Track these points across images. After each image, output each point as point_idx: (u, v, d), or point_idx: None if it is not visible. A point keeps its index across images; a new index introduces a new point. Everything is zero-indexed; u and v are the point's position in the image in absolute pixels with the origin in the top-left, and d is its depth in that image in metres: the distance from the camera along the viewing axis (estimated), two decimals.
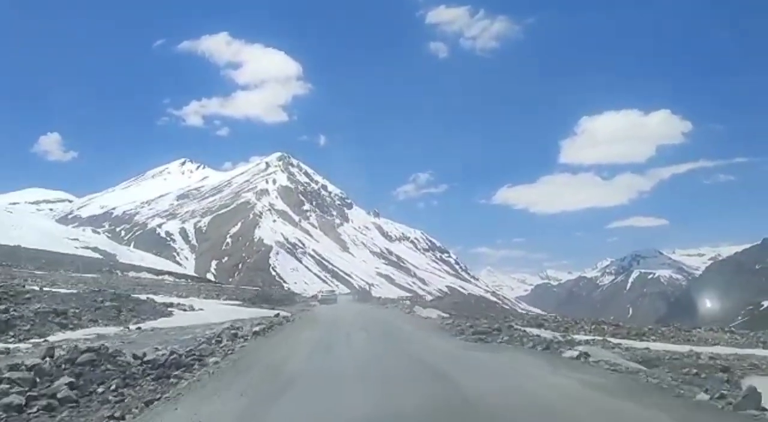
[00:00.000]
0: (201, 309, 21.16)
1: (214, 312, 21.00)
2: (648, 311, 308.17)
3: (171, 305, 20.67)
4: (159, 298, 22.71)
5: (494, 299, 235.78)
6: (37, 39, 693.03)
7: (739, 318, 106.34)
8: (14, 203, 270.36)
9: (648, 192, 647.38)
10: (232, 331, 13.15)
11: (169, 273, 64.65)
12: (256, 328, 14.10)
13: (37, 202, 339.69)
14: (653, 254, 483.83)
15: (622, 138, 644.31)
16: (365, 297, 67.28)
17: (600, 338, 18.31)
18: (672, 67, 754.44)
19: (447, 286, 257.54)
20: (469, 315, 28.01)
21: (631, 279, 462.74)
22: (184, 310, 20.24)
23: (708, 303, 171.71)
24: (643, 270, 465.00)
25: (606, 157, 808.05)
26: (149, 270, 63.39)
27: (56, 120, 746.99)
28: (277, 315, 20.99)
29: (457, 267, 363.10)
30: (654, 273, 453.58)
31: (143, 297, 19.35)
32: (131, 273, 56.19)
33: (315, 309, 34.17)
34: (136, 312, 17.50)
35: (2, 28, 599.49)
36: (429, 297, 55.45)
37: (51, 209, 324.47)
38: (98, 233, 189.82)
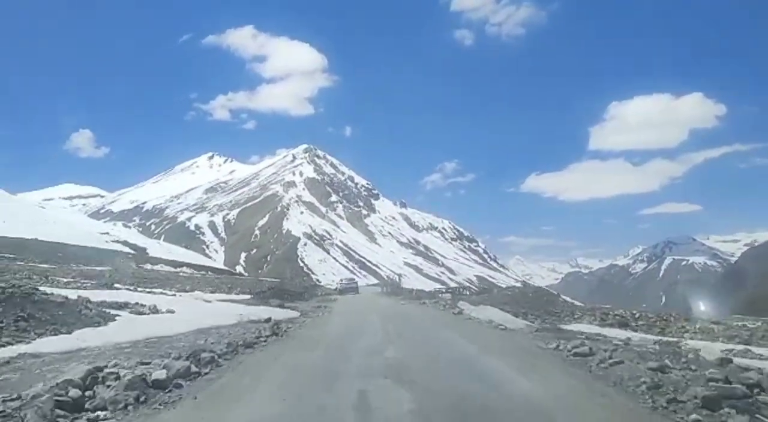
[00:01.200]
0: (171, 311, 15.43)
1: (188, 314, 15.22)
2: (682, 299, 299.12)
3: (124, 306, 15.00)
4: (121, 296, 17.02)
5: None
6: (66, 39, 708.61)
7: None
8: (48, 199, 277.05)
9: (680, 177, 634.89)
10: (67, 393, 5.75)
11: (188, 265, 63.39)
12: (162, 374, 6.70)
13: (70, 198, 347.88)
14: (687, 241, 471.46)
15: (653, 123, 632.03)
16: (395, 290, 59.13)
17: None
18: (704, 49, 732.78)
19: (476, 276, 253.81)
20: (527, 311, 20.83)
21: (664, 267, 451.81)
22: (140, 313, 14.45)
23: (746, 290, 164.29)
24: (676, 257, 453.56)
25: (636, 142, 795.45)
26: (168, 262, 62.25)
27: (87, 117, 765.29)
28: (269, 319, 14.85)
29: (485, 256, 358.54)
30: (688, 260, 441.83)
31: (73, 295, 12.79)
32: (147, 266, 55.08)
33: (332, 307, 25.57)
34: (36, 321, 10.70)
35: (33, 29, 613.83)
36: (468, 292, 50.67)
37: (84, 204, 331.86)
38: (129, 227, 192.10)
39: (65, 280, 24.54)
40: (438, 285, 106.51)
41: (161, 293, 22.00)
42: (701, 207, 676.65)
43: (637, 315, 21.63)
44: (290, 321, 16.21)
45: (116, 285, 23.58)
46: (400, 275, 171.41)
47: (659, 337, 13.14)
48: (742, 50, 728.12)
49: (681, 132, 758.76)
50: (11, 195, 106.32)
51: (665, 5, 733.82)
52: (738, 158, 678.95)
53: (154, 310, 15.04)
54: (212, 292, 28.51)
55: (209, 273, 61.13)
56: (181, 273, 50.08)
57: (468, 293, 36.46)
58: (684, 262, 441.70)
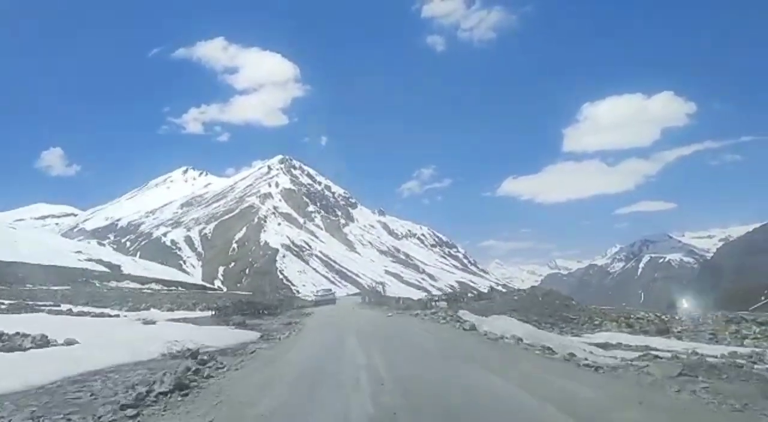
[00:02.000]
0: (71, 343, 11.38)
1: (92, 347, 11.09)
2: (660, 296, 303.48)
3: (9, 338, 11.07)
4: (20, 323, 13.63)
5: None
6: (33, 55, 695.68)
7: (762, 298, 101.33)
8: (20, 219, 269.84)
9: (654, 176, 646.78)
10: None
11: (157, 282, 61.56)
12: None
13: (42, 217, 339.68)
14: (663, 238, 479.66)
15: (625, 123, 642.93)
16: (378, 299, 51.52)
17: None
18: (673, 48, 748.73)
19: (457, 281, 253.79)
20: (540, 318, 18.10)
21: (641, 265, 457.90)
22: (11, 349, 10.19)
23: (723, 285, 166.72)
24: (653, 255, 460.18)
25: (610, 142, 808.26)
26: (135, 279, 60.39)
27: (57, 134, 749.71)
28: (195, 354, 10.60)
29: (465, 261, 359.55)
30: (665, 258, 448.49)
31: None
32: (113, 283, 53.26)
33: (304, 323, 21.39)
34: None
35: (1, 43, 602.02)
36: (465, 298, 46.76)
37: (57, 223, 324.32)
38: (103, 245, 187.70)
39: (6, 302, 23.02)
40: (420, 293, 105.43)
41: (101, 314, 20.23)
42: (676, 204, 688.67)
43: (666, 319, 19.15)
44: (235, 352, 12.17)
45: (62, 307, 22.11)
46: (383, 283, 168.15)
47: (729, 348, 10.98)
48: (710, 48, 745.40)
49: (653, 131, 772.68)
50: None
51: (633, 7, 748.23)
52: (709, 155, 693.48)
53: (42, 343, 10.88)
54: (171, 310, 27.08)
55: (179, 288, 59.50)
56: (145, 291, 48.38)
57: (465, 299, 34.05)
58: (661, 260, 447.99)
